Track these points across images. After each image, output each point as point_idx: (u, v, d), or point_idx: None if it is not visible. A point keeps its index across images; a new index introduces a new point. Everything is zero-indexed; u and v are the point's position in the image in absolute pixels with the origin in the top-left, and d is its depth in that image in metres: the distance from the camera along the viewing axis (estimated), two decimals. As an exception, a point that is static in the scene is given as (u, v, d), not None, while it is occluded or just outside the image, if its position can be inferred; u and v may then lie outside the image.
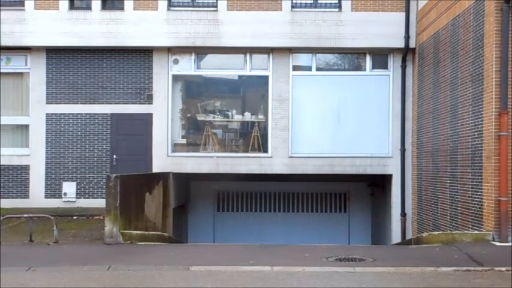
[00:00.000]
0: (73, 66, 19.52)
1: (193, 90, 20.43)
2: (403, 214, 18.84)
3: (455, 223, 14.87)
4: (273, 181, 21.05)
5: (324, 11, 18.89)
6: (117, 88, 19.50)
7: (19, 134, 19.81)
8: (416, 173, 18.45)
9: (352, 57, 19.77)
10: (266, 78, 19.37)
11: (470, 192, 13.94)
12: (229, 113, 20.08)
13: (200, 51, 19.47)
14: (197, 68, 19.64)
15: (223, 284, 9.50)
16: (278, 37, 18.83)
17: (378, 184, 21.12)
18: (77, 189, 19.40)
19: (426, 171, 17.42)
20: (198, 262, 11.09)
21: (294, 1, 19.00)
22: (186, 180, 21.18)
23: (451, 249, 12.17)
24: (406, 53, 18.79)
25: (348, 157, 19.08)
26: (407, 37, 18.59)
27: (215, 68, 20.00)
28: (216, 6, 18.96)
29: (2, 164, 19.38)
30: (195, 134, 20.11)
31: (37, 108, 19.50)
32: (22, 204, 18.82)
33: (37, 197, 19.32)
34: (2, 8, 18.96)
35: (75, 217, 17.42)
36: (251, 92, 20.59)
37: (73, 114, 19.50)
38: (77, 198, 19.37)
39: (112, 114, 19.46)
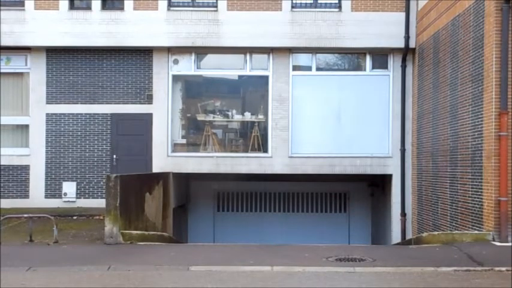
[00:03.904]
0: (73, 66, 19.52)
1: (193, 90, 20.43)
2: (403, 214, 18.84)
3: (455, 223, 14.87)
4: (273, 181, 21.05)
5: (324, 11, 18.89)
6: (117, 88, 19.50)
7: (19, 134, 19.82)
8: (416, 173, 18.45)
9: (352, 57, 19.78)
10: (266, 78, 19.38)
11: (470, 192, 13.94)
12: (229, 113, 20.08)
13: (200, 51, 19.47)
14: (197, 68, 19.64)
15: (223, 284, 9.50)
16: (278, 37, 18.83)
17: (378, 184, 21.12)
18: (77, 189, 19.40)
19: (426, 171, 17.42)
20: (198, 262, 11.09)
21: (294, 1, 19.00)
22: (186, 180, 21.18)
23: (451, 249, 12.17)
24: (406, 53, 18.79)
25: (348, 157, 19.08)
26: (407, 37, 18.59)
27: (215, 68, 20.00)
28: (216, 6, 18.96)
29: (2, 164, 19.38)
30: (195, 134, 20.11)
31: (37, 108, 19.50)
32: (22, 204, 18.83)
33: (37, 197, 19.32)
34: (2, 8, 18.96)
35: (75, 217, 17.41)
36: (251, 92, 20.59)
37: (73, 114, 19.51)
38: (77, 198, 19.37)
39: (112, 114, 19.46)
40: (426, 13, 17.59)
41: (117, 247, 13.00)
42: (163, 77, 19.37)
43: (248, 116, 19.89)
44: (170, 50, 19.37)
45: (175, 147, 19.70)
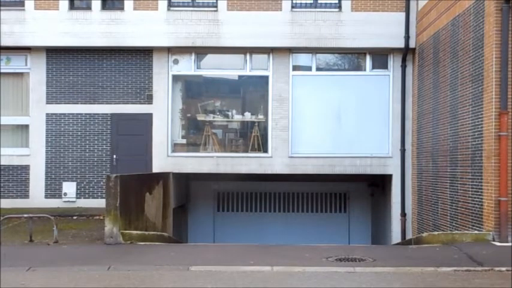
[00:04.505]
0: (73, 66, 19.53)
1: (193, 90, 20.43)
2: (403, 214, 18.84)
3: (455, 223, 14.87)
4: (273, 181, 21.04)
5: (324, 11, 18.89)
6: (117, 88, 19.50)
7: (19, 134, 19.82)
8: (416, 173, 18.45)
9: (352, 57, 19.78)
10: (266, 78, 19.38)
11: (470, 192, 13.94)
12: (229, 113, 20.08)
13: (200, 51, 19.47)
14: (197, 68, 19.64)
15: (223, 284, 9.50)
16: (278, 37, 18.83)
17: (378, 184, 21.12)
18: (77, 189, 19.40)
19: (426, 171, 17.42)
20: (198, 262, 11.09)
21: (294, 1, 19.00)
22: (186, 180, 21.18)
23: (451, 250, 12.17)
24: (406, 53, 18.79)
25: (348, 157, 19.08)
26: (407, 37, 18.59)
27: (215, 68, 20.00)
28: (216, 6, 18.96)
29: (2, 164, 19.38)
30: (195, 134, 20.11)
31: (37, 108, 19.50)
32: (22, 204, 18.82)
33: (37, 197, 19.32)
34: (2, 8, 18.96)
35: (75, 217, 17.42)
36: (251, 92, 20.59)
37: (73, 114, 19.51)
38: (77, 198, 19.37)
39: (112, 114, 19.46)
40: (426, 13, 17.59)
41: (117, 247, 13.00)
42: (163, 77, 19.37)
43: (248, 116, 19.89)
44: (170, 50, 19.37)
45: (175, 147, 19.69)
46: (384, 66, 19.36)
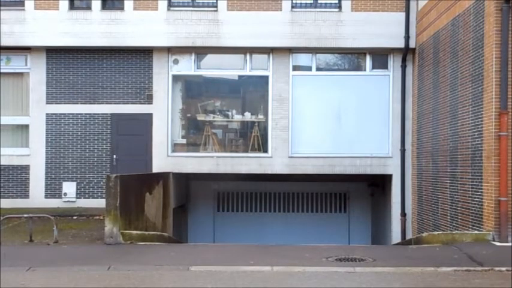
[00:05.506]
0: (73, 66, 19.53)
1: (193, 90, 20.43)
2: (403, 214, 18.84)
3: (455, 223, 14.87)
4: (273, 181, 21.04)
5: (324, 11, 18.89)
6: (117, 88, 19.50)
7: (19, 134, 19.82)
8: (416, 173, 18.46)
9: (352, 57, 19.78)
10: (266, 78, 19.38)
11: (470, 192, 13.94)
12: (229, 113, 20.08)
13: (200, 51, 19.47)
14: (197, 68, 19.64)
15: (223, 284, 9.50)
16: (278, 37, 18.84)
17: (378, 184, 21.12)
18: (77, 189, 19.40)
19: (426, 171, 17.42)
20: (198, 262, 11.09)
21: (294, 1, 19.00)
22: (186, 180, 21.18)
23: (451, 249, 12.17)
24: (406, 53, 18.80)
25: (348, 157, 19.08)
26: (407, 37, 18.60)
27: (215, 68, 20.00)
28: (216, 6, 18.97)
29: (2, 164, 19.38)
30: (195, 134, 20.12)
31: (37, 108, 19.51)
32: (22, 204, 18.82)
33: (37, 197, 19.32)
34: (2, 8, 18.97)
35: (75, 217, 17.42)
36: (251, 92, 20.59)
37: (73, 114, 19.51)
38: (77, 198, 19.37)
39: (112, 114, 19.47)
40: (426, 13, 17.60)
41: (117, 247, 13.00)
42: (163, 77, 19.37)
43: (248, 116, 19.89)
44: (170, 50, 19.37)
45: (175, 147, 19.70)
46: (384, 66, 19.37)
